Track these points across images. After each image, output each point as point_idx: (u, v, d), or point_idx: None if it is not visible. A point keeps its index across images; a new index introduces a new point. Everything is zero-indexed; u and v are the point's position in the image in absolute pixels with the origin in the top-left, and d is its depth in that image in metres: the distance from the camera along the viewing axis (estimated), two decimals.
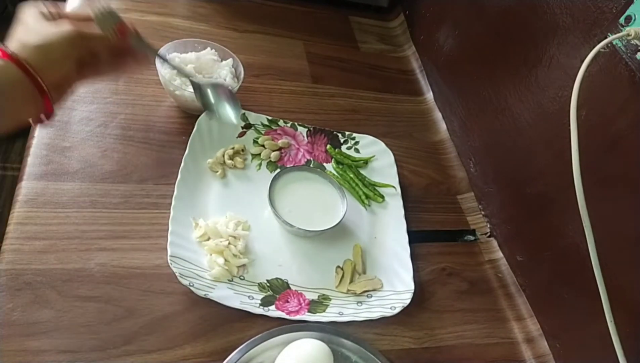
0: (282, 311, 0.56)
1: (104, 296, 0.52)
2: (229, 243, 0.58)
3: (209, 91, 0.59)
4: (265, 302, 0.56)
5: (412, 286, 0.61)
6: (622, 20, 0.50)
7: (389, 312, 0.58)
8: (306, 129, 0.76)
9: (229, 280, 0.57)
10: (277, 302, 0.57)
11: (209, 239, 0.59)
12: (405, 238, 0.67)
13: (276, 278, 0.60)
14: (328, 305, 0.59)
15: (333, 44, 0.96)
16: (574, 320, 0.60)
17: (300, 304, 0.58)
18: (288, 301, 0.58)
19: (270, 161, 0.71)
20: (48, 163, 0.60)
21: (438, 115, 0.89)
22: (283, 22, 0.95)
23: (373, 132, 0.78)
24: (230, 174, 0.68)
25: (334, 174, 0.72)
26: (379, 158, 0.76)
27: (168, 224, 0.57)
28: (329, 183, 0.68)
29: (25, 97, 0.42)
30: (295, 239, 0.64)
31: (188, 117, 0.71)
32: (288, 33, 0.94)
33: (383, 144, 0.76)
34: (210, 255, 0.57)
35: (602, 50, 0.50)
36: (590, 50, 0.49)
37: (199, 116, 0.68)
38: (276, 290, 0.59)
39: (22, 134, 0.64)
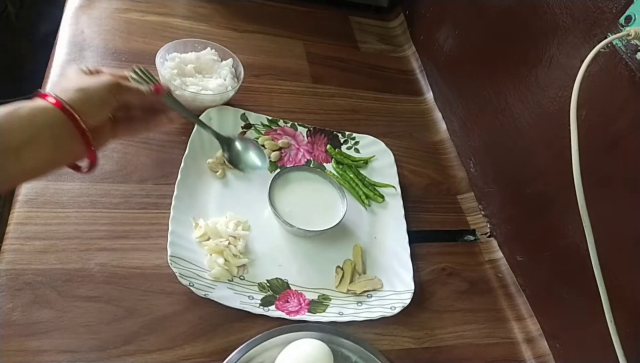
0: (282, 311, 0.56)
1: (104, 296, 0.52)
2: (229, 243, 0.58)
3: (237, 143, 0.62)
4: (265, 302, 0.56)
5: (412, 286, 0.61)
6: (622, 20, 0.50)
7: (389, 312, 0.58)
8: (306, 129, 0.76)
9: (229, 280, 0.57)
10: (277, 302, 0.57)
11: (209, 239, 0.59)
12: (405, 238, 0.67)
13: (276, 278, 0.60)
14: (328, 305, 0.59)
15: (333, 44, 0.96)
16: (574, 320, 0.60)
17: (300, 304, 0.58)
18: (288, 301, 0.58)
19: (271, 161, 0.71)
20: None
21: (438, 115, 0.89)
22: (283, 22, 0.95)
23: (373, 132, 0.78)
24: (230, 174, 0.68)
25: (334, 174, 0.72)
26: (379, 158, 0.76)
27: (168, 224, 0.57)
28: (329, 183, 0.68)
29: (66, 140, 0.41)
30: (295, 239, 0.64)
31: None
32: (288, 33, 0.94)
33: (383, 144, 0.76)
34: (210, 255, 0.57)
35: (602, 50, 0.50)
36: (590, 50, 0.49)
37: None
38: (276, 290, 0.59)
39: None
